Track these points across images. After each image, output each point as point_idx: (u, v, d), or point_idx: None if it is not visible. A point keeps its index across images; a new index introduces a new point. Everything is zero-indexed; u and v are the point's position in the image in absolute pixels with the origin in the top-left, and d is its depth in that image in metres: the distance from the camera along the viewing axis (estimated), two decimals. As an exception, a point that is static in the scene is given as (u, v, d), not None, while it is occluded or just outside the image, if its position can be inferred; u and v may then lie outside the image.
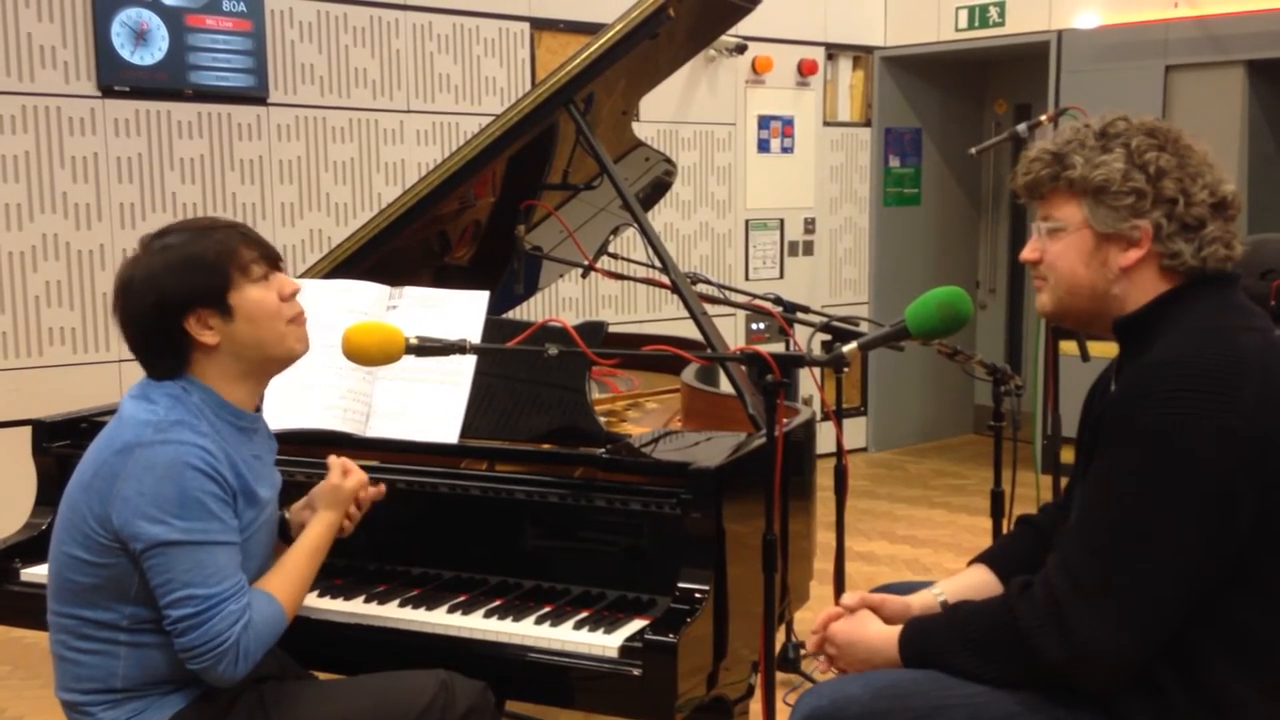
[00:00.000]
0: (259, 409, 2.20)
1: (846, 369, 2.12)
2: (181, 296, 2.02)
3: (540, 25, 6.03)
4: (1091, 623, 1.72)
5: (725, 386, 2.79)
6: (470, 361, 2.50)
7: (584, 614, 2.25)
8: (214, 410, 2.06)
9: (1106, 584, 1.73)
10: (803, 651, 3.99)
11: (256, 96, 5.23)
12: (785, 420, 2.16)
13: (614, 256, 3.53)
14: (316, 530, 2.18)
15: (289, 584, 2.09)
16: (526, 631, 2.21)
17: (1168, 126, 1.87)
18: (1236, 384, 1.70)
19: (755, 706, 2.27)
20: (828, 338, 3.11)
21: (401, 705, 2.07)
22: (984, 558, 2.18)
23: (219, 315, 2.04)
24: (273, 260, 2.11)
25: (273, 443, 2.26)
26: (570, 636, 2.18)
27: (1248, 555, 1.73)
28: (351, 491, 2.22)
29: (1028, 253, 1.95)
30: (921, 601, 2.10)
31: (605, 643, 2.14)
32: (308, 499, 2.29)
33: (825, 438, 3.13)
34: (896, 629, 1.96)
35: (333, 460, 2.25)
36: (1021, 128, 4.05)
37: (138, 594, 1.99)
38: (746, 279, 6.89)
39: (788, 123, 7.09)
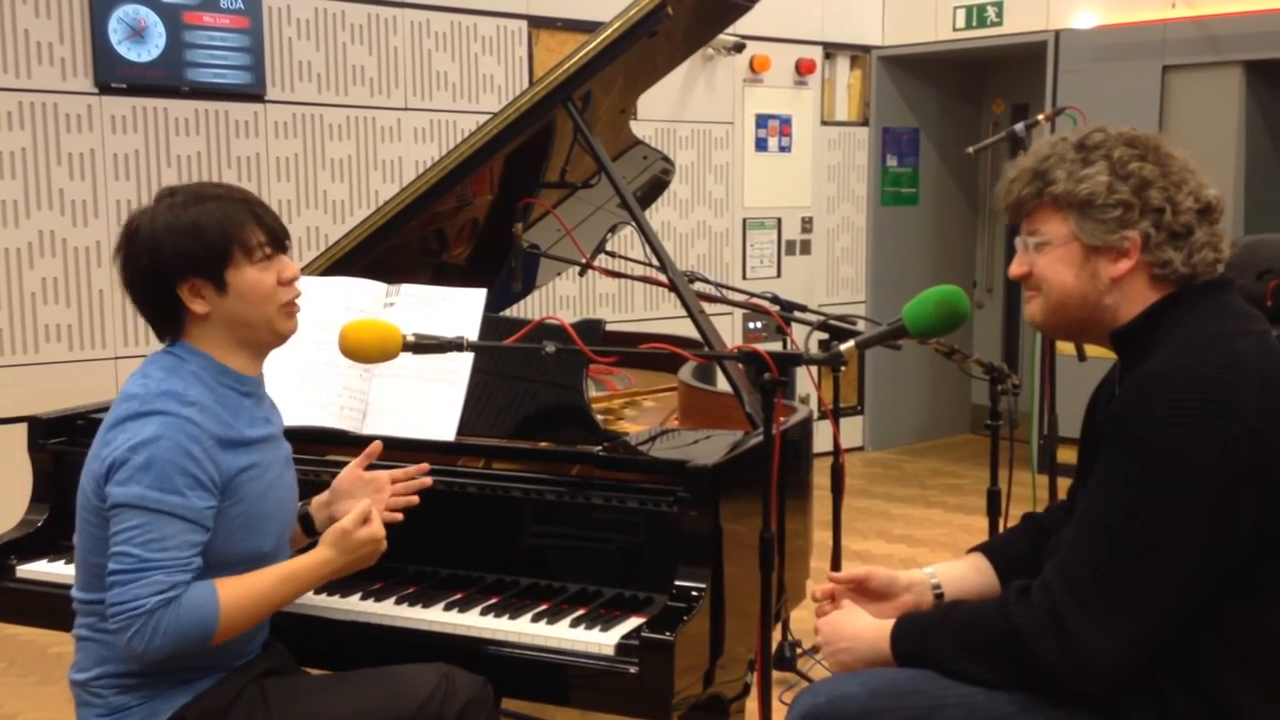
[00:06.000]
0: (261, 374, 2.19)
1: (844, 367, 2.11)
2: (178, 263, 2.01)
3: (538, 23, 6.03)
4: (1089, 631, 1.72)
5: (722, 385, 2.79)
6: (467, 359, 2.50)
7: (580, 611, 2.25)
8: (214, 377, 2.06)
9: (1105, 593, 1.72)
10: (799, 650, 4.00)
11: (253, 93, 5.23)
12: (782, 419, 2.16)
13: (611, 255, 3.52)
14: (305, 563, 2.07)
15: (240, 594, 1.99)
16: (523, 629, 2.21)
17: (1146, 135, 1.87)
18: (1234, 391, 1.70)
19: (751, 705, 2.27)
20: (825, 336, 3.12)
21: (403, 698, 2.07)
22: (984, 548, 2.18)
23: (213, 288, 2.04)
24: (279, 242, 2.10)
25: (278, 413, 2.25)
26: (567, 634, 2.18)
27: (1250, 560, 1.73)
28: (358, 544, 2.08)
29: (1015, 268, 1.94)
30: (911, 579, 2.10)
31: (602, 640, 2.14)
32: (331, 494, 2.29)
33: (822, 436, 3.13)
34: (887, 624, 1.95)
35: (361, 507, 2.11)
36: (1019, 127, 4.06)
37: None
38: (744, 278, 6.89)
39: (785, 122, 7.10)
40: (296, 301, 2.13)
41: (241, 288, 2.04)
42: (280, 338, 2.14)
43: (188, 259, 2.01)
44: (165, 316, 2.07)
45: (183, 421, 1.97)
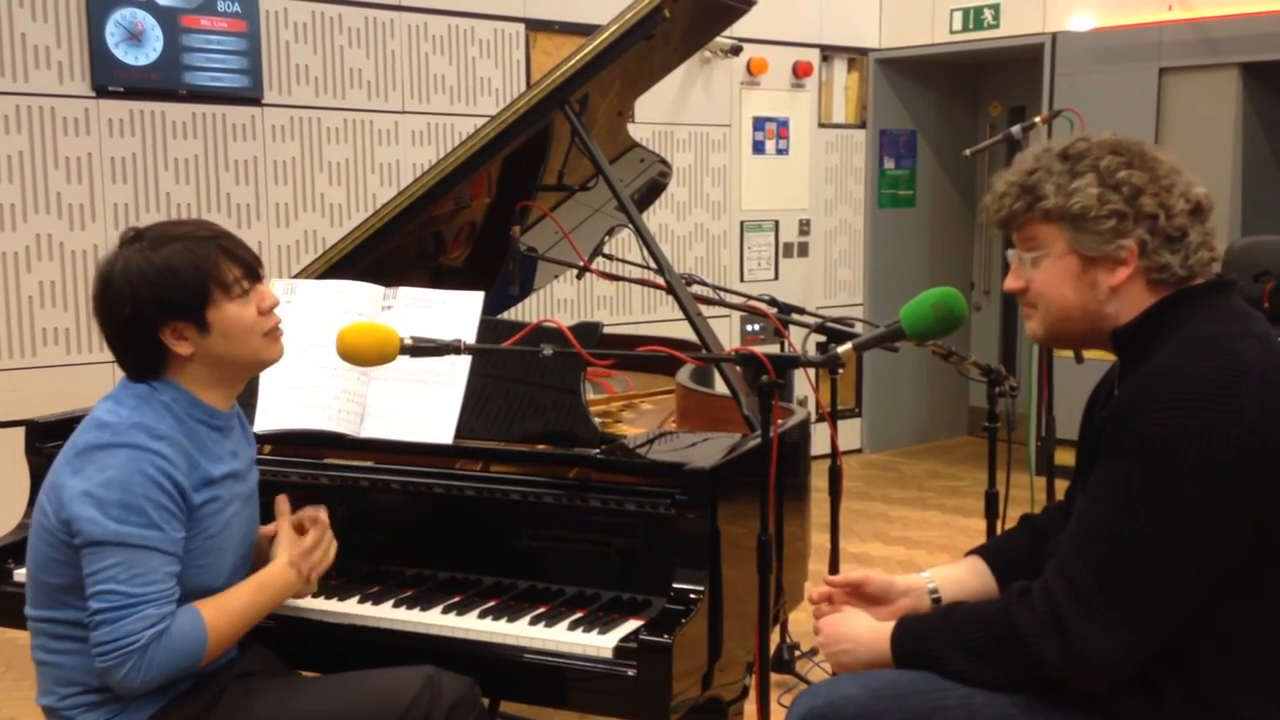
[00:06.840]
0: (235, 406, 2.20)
1: (841, 370, 2.12)
2: (158, 309, 2.02)
3: (535, 26, 6.03)
4: (1090, 630, 1.72)
5: (720, 387, 2.79)
6: (465, 362, 2.50)
7: (579, 614, 2.25)
8: (186, 409, 2.06)
9: (1106, 592, 1.73)
10: (798, 653, 4.00)
11: (251, 97, 5.23)
12: (780, 421, 2.15)
13: (609, 258, 3.52)
14: (272, 569, 2.15)
15: (222, 611, 2.04)
16: (521, 632, 2.21)
17: (1129, 141, 1.86)
18: (1236, 392, 1.70)
19: (750, 708, 2.27)
20: (822, 339, 3.12)
21: (388, 700, 2.07)
22: (981, 550, 2.18)
23: (195, 329, 2.04)
24: (254, 274, 2.10)
25: (251, 444, 2.26)
26: (565, 637, 2.18)
27: (1247, 562, 1.73)
28: (303, 548, 2.19)
29: (1011, 283, 1.94)
30: (908, 583, 2.10)
31: (600, 643, 2.14)
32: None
33: (820, 439, 3.13)
34: (887, 626, 1.95)
35: (295, 513, 2.25)
36: (1016, 130, 4.07)
37: None
38: (741, 280, 6.89)
39: (783, 124, 7.10)
40: (280, 327, 2.14)
41: (224, 324, 2.05)
42: (264, 366, 2.17)
43: (166, 303, 2.02)
44: (149, 360, 2.07)
45: (152, 455, 1.98)
